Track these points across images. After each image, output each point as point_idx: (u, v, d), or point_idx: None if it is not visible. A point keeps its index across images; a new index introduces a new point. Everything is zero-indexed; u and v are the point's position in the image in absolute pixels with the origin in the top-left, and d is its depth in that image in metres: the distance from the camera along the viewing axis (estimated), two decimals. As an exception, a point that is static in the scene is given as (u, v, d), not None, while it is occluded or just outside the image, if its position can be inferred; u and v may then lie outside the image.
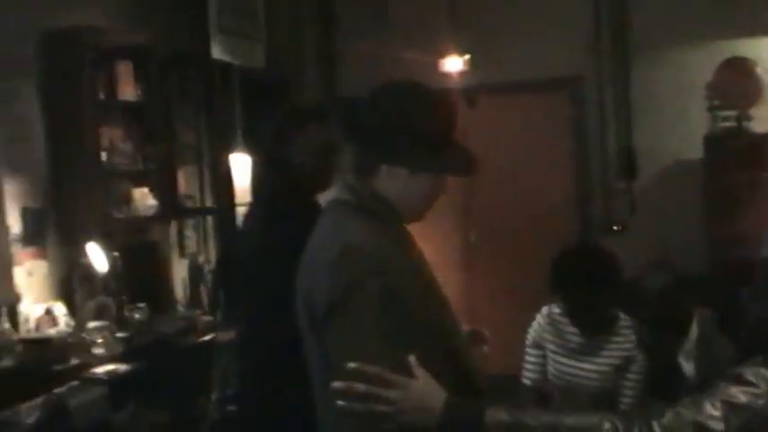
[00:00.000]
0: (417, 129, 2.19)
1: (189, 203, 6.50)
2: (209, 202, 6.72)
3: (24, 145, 5.21)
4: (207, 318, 5.89)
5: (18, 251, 5.07)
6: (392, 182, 2.21)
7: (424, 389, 2.01)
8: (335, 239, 2.15)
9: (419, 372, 2.02)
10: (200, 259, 6.53)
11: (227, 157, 6.56)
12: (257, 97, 6.66)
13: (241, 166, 6.60)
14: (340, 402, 1.97)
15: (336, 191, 2.34)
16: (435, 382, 2.03)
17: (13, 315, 4.90)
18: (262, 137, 3.59)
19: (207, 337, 5.58)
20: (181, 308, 6.17)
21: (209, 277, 6.35)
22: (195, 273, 6.36)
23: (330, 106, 2.91)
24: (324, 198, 2.51)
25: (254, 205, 3.55)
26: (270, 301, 2.78)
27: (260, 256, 3.02)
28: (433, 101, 2.24)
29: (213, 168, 6.68)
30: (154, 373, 4.90)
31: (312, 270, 2.18)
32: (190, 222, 6.53)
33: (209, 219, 6.73)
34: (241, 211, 6.62)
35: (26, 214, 5.15)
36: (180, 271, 6.34)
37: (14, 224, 5.07)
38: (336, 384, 1.97)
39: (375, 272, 2.07)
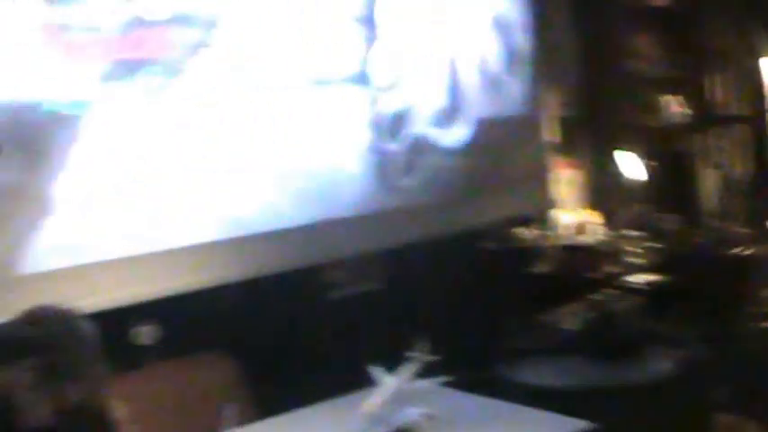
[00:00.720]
0: None
1: (721, 112, 6.19)
2: (741, 111, 6.36)
3: (559, 55, 5.27)
4: (740, 230, 5.65)
5: (553, 160, 5.18)
6: None
7: None
8: None
9: None
10: (733, 170, 6.21)
11: (760, 64, 6.18)
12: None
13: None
14: None
15: None
16: None
17: (546, 222, 5.03)
18: None
19: (741, 250, 5.35)
20: (712, 219, 5.94)
21: (742, 188, 6.06)
22: (728, 184, 6.08)
23: None
24: None
25: None
26: None
27: None
28: None
29: (746, 75, 6.30)
30: (690, 284, 4.78)
31: None
32: (722, 131, 6.23)
33: (742, 128, 6.36)
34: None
35: (561, 124, 5.23)
36: (710, 182, 6.09)
37: (550, 134, 5.17)
38: None
39: None
